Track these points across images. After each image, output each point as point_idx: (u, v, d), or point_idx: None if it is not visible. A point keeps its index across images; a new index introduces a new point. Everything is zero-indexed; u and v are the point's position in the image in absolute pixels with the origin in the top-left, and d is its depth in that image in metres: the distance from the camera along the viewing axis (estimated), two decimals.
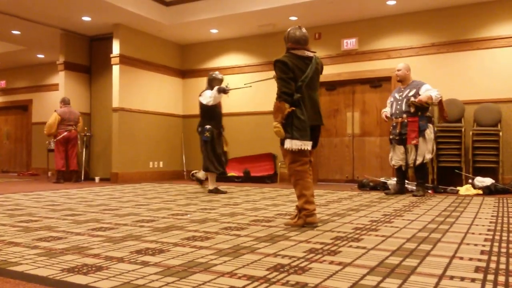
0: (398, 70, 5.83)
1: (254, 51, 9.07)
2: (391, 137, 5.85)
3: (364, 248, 2.56)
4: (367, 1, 7.19)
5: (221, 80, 6.12)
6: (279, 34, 8.64)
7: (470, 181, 6.33)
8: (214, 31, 8.89)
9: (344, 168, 8.41)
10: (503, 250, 2.51)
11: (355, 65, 8.10)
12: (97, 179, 8.88)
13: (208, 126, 5.94)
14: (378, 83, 8.08)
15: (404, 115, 5.64)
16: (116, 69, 8.52)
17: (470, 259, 2.30)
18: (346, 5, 7.41)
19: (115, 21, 8.30)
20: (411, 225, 3.40)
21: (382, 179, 6.89)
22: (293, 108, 3.35)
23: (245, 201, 5.12)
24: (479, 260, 2.27)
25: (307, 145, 3.34)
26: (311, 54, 3.53)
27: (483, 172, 6.56)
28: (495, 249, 2.54)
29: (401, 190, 5.92)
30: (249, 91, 8.52)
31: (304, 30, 3.59)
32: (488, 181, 6.15)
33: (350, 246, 2.61)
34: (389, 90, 7.92)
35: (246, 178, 8.48)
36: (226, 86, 5.96)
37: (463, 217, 3.84)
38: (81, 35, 9.40)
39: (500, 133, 6.61)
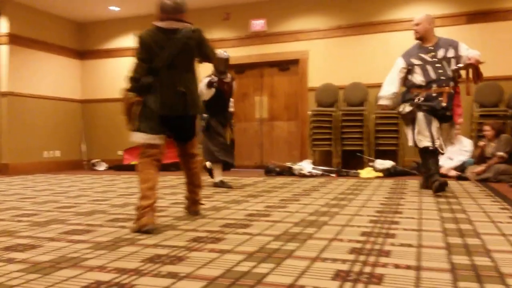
0: (417, 25, 4.63)
1: None
2: (425, 108, 4.44)
3: (249, 234, 2.65)
4: None
5: (225, 60, 5.40)
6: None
7: (371, 164, 6.75)
8: (114, 8, 8.57)
9: (253, 154, 8.57)
10: (384, 231, 2.72)
11: (264, 47, 8.24)
12: None
13: (205, 115, 5.31)
14: (286, 66, 8.29)
15: (452, 83, 4.45)
16: (4, 49, 8.05)
17: (349, 240, 2.47)
18: None
19: None
20: (304, 209, 3.57)
21: (288, 164, 7.13)
22: (138, 99, 3.00)
23: None
24: (358, 241, 2.44)
25: (154, 140, 2.99)
26: (178, 26, 3.06)
27: (385, 155, 7.01)
28: (377, 230, 2.75)
29: (444, 184, 4.33)
30: None
31: None
32: (388, 163, 6.60)
33: (236, 233, 2.69)
34: (296, 73, 8.17)
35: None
36: (212, 78, 5.25)
37: (357, 200, 4.09)
38: None
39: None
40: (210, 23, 8.47)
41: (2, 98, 8.02)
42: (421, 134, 4.46)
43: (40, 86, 8.68)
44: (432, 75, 4.47)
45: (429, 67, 4.49)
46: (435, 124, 4.44)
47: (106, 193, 4.92)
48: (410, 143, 4.66)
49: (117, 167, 8.55)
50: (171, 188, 5.28)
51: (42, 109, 8.69)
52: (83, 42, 9.58)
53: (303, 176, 6.69)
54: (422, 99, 4.47)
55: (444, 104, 4.41)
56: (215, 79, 5.25)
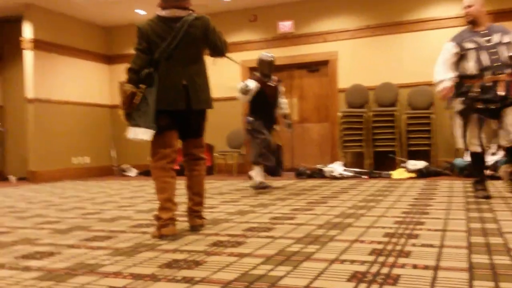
0: (469, 6, 4.12)
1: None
2: (480, 106, 3.95)
3: (271, 237, 2.72)
4: None
5: (269, 63, 5.39)
6: (211, 16, 8.59)
7: (403, 164, 6.69)
8: (140, 11, 8.77)
9: (284, 156, 8.59)
10: (407, 231, 2.74)
11: (292, 49, 8.29)
12: (12, 178, 8.53)
13: (250, 118, 5.31)
14: (315, 67, 8.32)
15: (509, 70, 3.93)
16: (29, 55, 8.17)
17: (371, 242, 2.50)
18: None
19: (25, 1, 7.96)
20: (330, 212, 3.61)
21: (319, 166, 7.15)
22: (134, 91, 2.80)
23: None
24: (379, 242, 2.48)
25: (147, 134, 2.78)
26: (180, 14, 2.88)
27: (418, 156, 6.94)
28: (400, 231, 2.77)
29: (487, 197, 4.05)
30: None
31: None
32: (420, 164, 6.54)
33: (258, 237, 2.76)
34: (326, 74, 8.18)
35: (182, 172, 8.42)
36: (246, 85, 5.17)
37: (386, 201, 4.10)
38: None
39: (433, 116, 6.99)
40: (238, 25, 8.60)
41: (29, 105, 8.16)
42: (473, 138, 4.05)
43: (67, 91, 8.79)
44: (486, 61, 3.92)
45: (483, 53, 3.95)
46: (490, 126, 4.01)
47: (133, 199, 5.06)
48: (460, 144, 4.21)
49: (147, 172, 8.63)
50: None
51: (70, 115, 8.81)
52: (110, 46, 9.80)
53: (334, 178, 6.71)
54: (476, 92, 3.93)
55: (502, 93, 3.88)
56: (250, 85, 5.17)
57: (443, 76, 4.06)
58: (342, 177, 6.68)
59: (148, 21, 2.89)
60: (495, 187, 4.96)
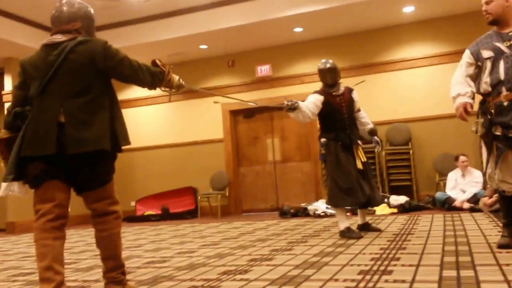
0: (487, 3, 3.17)
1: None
2: (498, 134, 3.02)
3: (246, 280, 2.70)
4: (276, 28, 7.59)
5: (327, 71, 4.58)
6: (190, 63, 8.90)
7: (385, 200, 6.72)
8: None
9: (268, 197, 8.62)
10: (382, 268, 2.74)
11: (271, 91, 8.43)
12: None
13: (323, 140, 4.49)
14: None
15: None
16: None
17: (345, 280, 2.50)
18: (256, 33, 7.76)
19: (6, 55, 8.08)
20: (309, 251, 3.59)
21: (303, 205, 7.15)
22: (6, 136, 2.39)
23: (150, 242, 5.14)
24: (352, 280, 2.48)
25: (11, 188, 2.35)
26: (62, 39, 2.40)
27: (399, 191, 6.99)
28: (375, 267, 2.77)
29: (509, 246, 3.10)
30: (162, 122, 8.73)
31: (65, 1, 2.49)
32: (402, 199, 6.58)
33: (234, 280, 2.74)
34: None
35: (164, 216, 8.41)
36: (288, 101, 4.41)
37: (365, 237, 4.10)
38: None
39: (411, 151, 7.10)
40: (217, 71, 8.79)
41: None
42: (502, 173, 3.07)
43: None
44: (501, 73, 3.02)
45: (500, 63, 3.04)
46: (508, 159, 3.03)
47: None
48: (487, 178, 3.27)
49: (130, 218, 8.50)
50: (181, 237, 5.33)
51: None
52: None
53: (318, 216, 6.70)
54: (491, 113, 3.05)
55: None
56: (309, 97, 4.52)
57: (459, 90, 3.24)
58: (326, 215, 6.67)
59: (33, 54, 2.48)
60: (475, 219, 4.99)
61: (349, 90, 4.68)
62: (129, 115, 9.27)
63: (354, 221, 4.83)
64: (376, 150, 4.98)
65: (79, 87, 2.36)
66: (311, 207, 6.96)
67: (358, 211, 4.65)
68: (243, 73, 8.67)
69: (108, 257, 2.47)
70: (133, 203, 9.00)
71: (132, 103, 9.13)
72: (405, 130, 7.31)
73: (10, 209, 8.05)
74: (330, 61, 4.66)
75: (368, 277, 2.53)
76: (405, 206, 6.47)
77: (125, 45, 7.99)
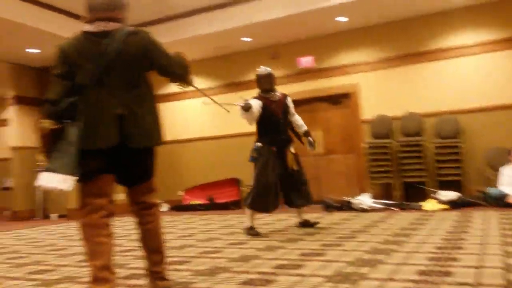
0: None
1: (212, 73, 9.23)
2: None
3: (301, 275, 2.69)
4: (319, 18, 7.45)
5: (266, 77, 4.84)
6: (234, 55, 8.94)
7: (434, 195, 6.56)
8: None
9: (310, 189, 8.52)
10: (441, 269, 2.66)
11: (314, 83, 8.34)
12: (53, 216, 8.82)
13: (258, 144, 4.72)
14: (338, 100, 8.33)
15: None
16: None
17: (404, 280, 2.45)
18: (299, 24, 7.65)
19: None
20: (360, 247, 3.54)
21: (347, 199, 7.07)
22: (54, 127, 2.22)
23: (201, 232, 5.19)
24: (412, 281, 2.42)
25: (66, 183, 2.18)
26: (110, 28, 2.31)
27: (448, 186, 6.78)
28: (434, 268, 2.69)
29: None
30: (208, 114, 8.78)
31: None
32: (452, 194, 6.38)
33: (288, 274, 2.73)
34: (348, 106, 8.19)
35: (211, 206, 8.55)
36: (246, 101, 4.56)
37: (417, 235, 4.00)
38: (30, 67, 9.42)
39: (461, 145, 6.88)
40: (259, 63, 8.68)
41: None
42: None
43: None
44: None
45: None
46: None
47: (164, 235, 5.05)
48: None
49: (178, 207, 8.76)
50: (229, 228, 5.36)
51: None
52: None
53: (363, 210, 6.60)
54: None
55: None
56: (251, 101, 4.61)
57: None
58: (371, 210, 6.57)
59: (70, 39, 2.35)
60: None
61: (284, 96, 4.95)
62: (177, 108, 9.41)
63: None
64: (309, 150, 5.30)
65: (131, 79, 2.33)
66: (355, 201, 6.86)
67: (249, 213, 4.73)
68: (285, 65, 8.59)
69: (154, 250, 2.46)
70: (180, 193, 9.09)
71: (179, 96, 9.17)
72: (454, 122, 7.07)
73: (71, 196, 8.17)
74: (267, 68, 4.95)
75: (427, 278, 2.46)
76: (456, 202, 6.28)
77: (170, 40, 8.07)
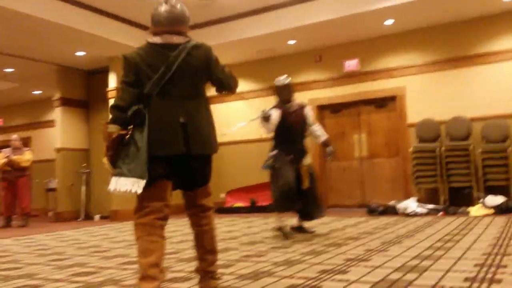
0: None
1: (254, 76, 9.35)
2: None
3: (346, 281, 2.74)
4: (366, 21, 7.45)
5: (284, 87, 4.94)
6: (278, 58, 9.03)
7: (481, 200, 6.45)
8: None
9: (354, 193, 8.55)
10: (489, 275, 2.67)
11: (358, 86, 8.33)
12: (96, 217, 9.08)
13: (273, 153, 4.82)
14: (383, 103, 8.29)
15: None
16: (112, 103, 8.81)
17: (451, 287, 2.47)
18: (345, 27, 7.67)
19: (110, 54, 8.63)
20: (406, 253, 3.56)
21: (392, 203, 7.04)
22: (122, 133, 2.37)
23: (244, 234, 5.31)
24: None
25: (140, 186, 2.30)
26: (178, 40, 2.46)
27: (495, 191, 6.64)
28: (482, 275, 2.70)
29: None
30: (251, 117, 8.87)
31: (173, 2, 2.50)
32: (499, 199, 6.27)
33: (333, 280, 2.79)
34: (394, 109, 8.14)
35: (253, 208, 8.65)
36: (265, 111, 4.64)
37: (464, 241, 3.98)
38: (77, 69, 9.78)
39: (509, 149, 6.73)
40: (304, 66, 8.80)
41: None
42: None
43: None
44: None
45: None
46: None
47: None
48: None
49: (220, 210, 8.81)
50: (271, 231, 5.44)
51: None
52: None
53: (408, 215, 6.56)
54: None
55: None
56: (270, 111, 4.67)
57: None
58: (416, 214, 6.53)
59: (137, 50, 2.48)
60: None
61: (303, 106, 4.96)
62: (220, 110, 9.56)
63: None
64: (328, 159, 5.34)
65: (193, 89, 2.48)
66: (400, 206, 6.84)
67: (278, 215, 4.82)
68: (330, 68, 8.62)
69: (210, 251, 2.56)
70: (222, 195, 9.27)
71: (224, 98, 9.33)
72: (502, 127, 6.92)
73: (114, 198, 8.46)
74: (287, 77, 4.96)
75: (475, 285, 2.48)
76: (503, 207, 6.16)
77: (216, 43, 8.22)
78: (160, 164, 2.36)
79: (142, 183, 2.29)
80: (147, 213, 2.36)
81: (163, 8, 2.46)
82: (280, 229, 4.78)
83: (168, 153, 2.36)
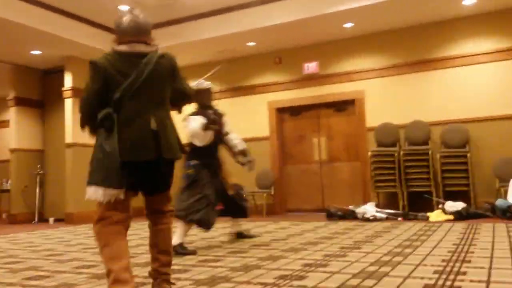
0: None
1: (215, 77, 9.15)
2: None
3: (304, 287, 2.61)
4: (326, 24, 7.41)
5: (208, 91, 4.59)
6: (238, 60, 8.95)
7: (440, 206, 6.47)
8: None
9: (313, 197, 8.48)
10: (448, 283, 2.59)
11: (318, 89, 8.29)
12: (51, 220, 8.79)
13: (193, 162, 4.34)
14: (342, 106, 8.27)
15: None
16: (68, 103, 8.56)
17: None
18: (305, 29, 7.61)
19: (66, 54, 8.37)
20: (365, 258, 3.47)
21: (351, 208, 6.99)
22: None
23: (201, 238, 5.13)
24: None
25: (111, 195, 2.33)
26: (146, 49, 2.51)
27: (455, 196, 6.70)
28: (441, 282, 2.62)
29: None
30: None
31: (137, 13, 2.55)
32: (459, 205, 6.30)
33: (291, 286, 2.65)
34: (353, 113, 8.13)
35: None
36: (213, 114, 4.38)
37: (423, 247, 3.92)
38: (32, 68, 9.42)
39: (469, 154, 6.80)
40: (263, 68, 8.72)
41: (67, 149, 8.45)
42: None
43: None
44: None
45: None
46: None
47: None
48: None
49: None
50: (229, 235, 5.29)
51: None
52: None
53: (367, 220, 6.52)
54: None
55: None
56: (198, 118, 4.32)
57: None
58: (375, 219, 6.49)
59: (105, 55, 2.48)
60: None
61: (221, 115, 4.67)
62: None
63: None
64: (245, 168, 4.92)
65: (160, 97, 2.54)
66: (359, 210, 6.79)
67: (231, 221, 4.79)
68: (290, 70, 8.55)
69: (163, 251, 2.55)
70: None
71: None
72: (462, 131, 7.00)
73: (68, 201, 8.34)
74: (208, 81, 4.59)
75: None
76: (462, 213, 6.19)
77: (174, 43, 8.05)
78: (127, 171, 2.35)
79: (108, 191, 2.32)
80: (110, 223, 2.37)
81: (128, 17, 2.51)
82: (181, 246, 4.14)
83: (138, 158, 2.38)
